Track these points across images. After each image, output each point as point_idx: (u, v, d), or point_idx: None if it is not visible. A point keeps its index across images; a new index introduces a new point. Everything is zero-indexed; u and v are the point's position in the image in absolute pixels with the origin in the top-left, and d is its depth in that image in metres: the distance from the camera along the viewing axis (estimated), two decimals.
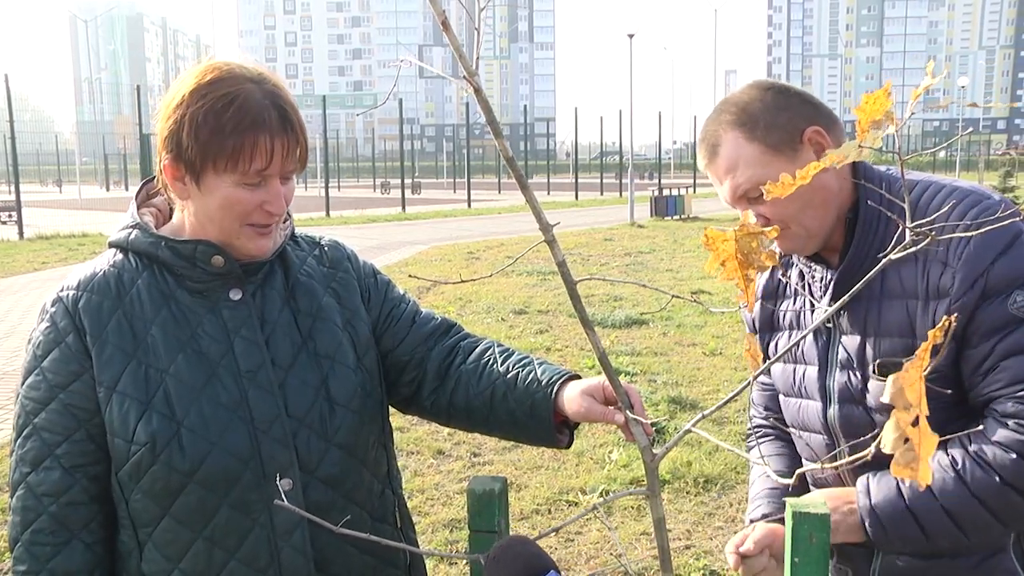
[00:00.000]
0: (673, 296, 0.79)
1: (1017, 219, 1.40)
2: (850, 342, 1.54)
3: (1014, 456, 1.35)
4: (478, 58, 0.72)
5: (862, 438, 1.54)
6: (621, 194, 36.36)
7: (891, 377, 0.62)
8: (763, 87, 1.56)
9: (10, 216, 22.02)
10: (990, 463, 1.37)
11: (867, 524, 1.44)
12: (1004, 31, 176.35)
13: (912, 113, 0.72)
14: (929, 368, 1.50)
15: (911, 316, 1.45)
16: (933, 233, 0.68)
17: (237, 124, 1.30)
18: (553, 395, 1.42)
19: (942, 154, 69.48)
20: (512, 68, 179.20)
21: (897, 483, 1.44)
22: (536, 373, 1.47)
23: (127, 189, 54.08)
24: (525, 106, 45.93)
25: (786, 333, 1.68)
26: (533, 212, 0.74)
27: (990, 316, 1.39)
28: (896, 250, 0.72)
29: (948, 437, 1.27)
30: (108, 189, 56.99)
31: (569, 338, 8.34)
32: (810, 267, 1.62)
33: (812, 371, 1.61)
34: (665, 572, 0.91)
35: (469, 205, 31.29)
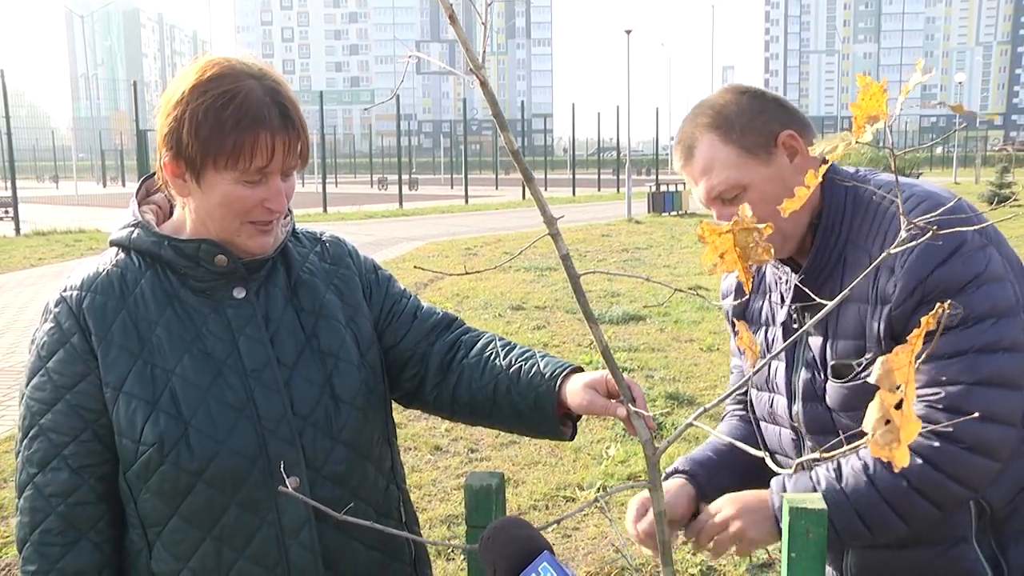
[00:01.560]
0: (676, 290, 0.79)
1: (966, 227, 1.41)
2: (815, 342, 1.58)
3: (920, 461, 1.39)
4: (484, 51, 0.72)
5: (823, 435, 1.59)
6: (619, 190, 36.36)
7: (880, 359, 0.63)
8: (739, 91, 1.59)
9: (6, 212, 21.94)
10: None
11: (782, 523, 1.48)
12: (1001, 27, 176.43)
13: (901, 109, 0.72)
14: (865, 368, 1.52)
15: (863, 319, 1.49)
16: (934, 228, 0.68)
17: (238, 122, 1.29)
18: (556, 388, 1.43)
19: (939, 150, 69.53)
20: (509, 64, 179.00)
21: (813, 485, 1.48)
22: (539, 366, 1.48)
23: (124, 185, 53.92)
24: (522, 102, 45.91)
25: (761, 329, 1.72)
26: (538, 205, 0.74)
27: (920, 321, 1.40)
28: (895, 244, 0.72)
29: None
30: (105, 185, 56.77)
31: (567, 334, 8.34)
32: (777, 268, 1.66)
33: (782, 367, 1.66)
34: (665, 566, 0.91)
35: (466, 201, 31.26)
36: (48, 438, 1.36)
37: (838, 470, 1.48)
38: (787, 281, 1.62)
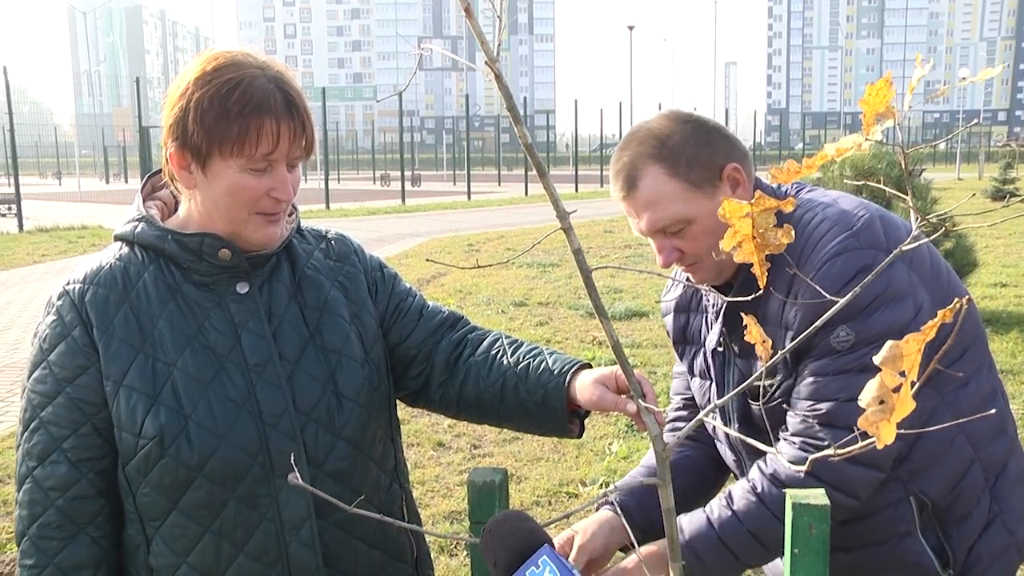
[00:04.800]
0: (687, 285, 0.79)
1: (873, 247, 1.43)
2: (743, 364, 1.60)
3: (801, 476, 1.42)
4: (499, 45, 0.72)
5: (759, 454, 1.58)
6: None
7: (889, 343, 0.63)
8: (682, 119, 1.55)
9: (9, 209, 21.96)
10: (784, 483, 1.44)
11: (684, 561, 1.49)
12: (1005, 22, 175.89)
13: (910, 107, 0.71)
14: (782, 389, 1.52)
15: (777, 343, 1.50)
16: (947, 225, 0.68)
17: (242, 108, 1.29)
18: (565, 384, 1.42)
19: (942, 146, 69.44)
20: (512, 60, 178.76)
21: (707, 517, 1.50)
22: (547, 363, 1.47)
23: (126, 182, 53.94)
24: (525, 98, 45.86)
25: (701, 348, 1.72)
26: (551, 200, 0.73)
27: (816, 346, 1.45)
28: (905, 243, 0.72)
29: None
30: (108, 182, 56.79)
31: (569, 330, 8.33)
32: (706, 291, 1.66)
33: (714, 388, 1.67)
34: (674, 561, 0.91)
35: (469, 197, 31.23)
36: (48, 431, 1.36)
37: (729, 497, 1.50)
38: (715, 304, 1.64)
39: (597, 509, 1.65)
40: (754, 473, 1.49)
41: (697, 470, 1.78)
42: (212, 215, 1.38)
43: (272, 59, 1.38)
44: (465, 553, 3.81)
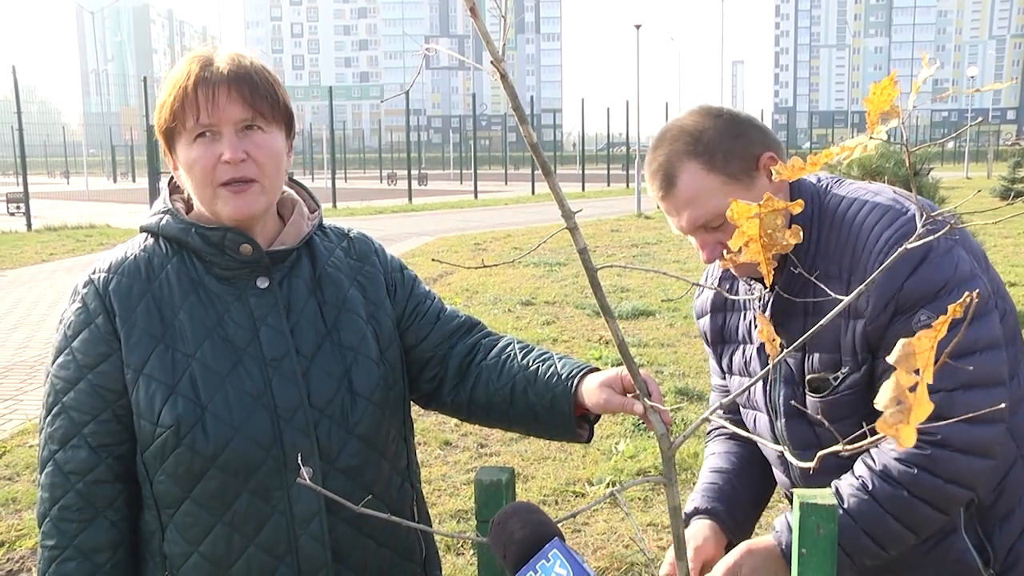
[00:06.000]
0: (694, 284, 0.79)
1: (931, 234, 1.43)
2: (791, 357, 1.57)
3: (916, 471, 1.41)
4: (504, 45, 0.72)
5: (807, 449, 1.57)
6: (628, 185, 36.25)
7: (901, 341, 0.63)
8: (713, 114, 1.55)
9: (18, 208, 22.04)
10: (896, 479, 1.42)
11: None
12: (1015, 20, 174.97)
13: (915, 107, 0.71)
14: (847, 383, 1.52)
15: (837, 333, 1.49)
16: (952, 223, 0.68)
17: (168, 95, 1.38)
18: (573, 388, 1.44)
19: (951, 144, 69.20)
20: (518, 59, 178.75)
21: None
22: (556, 367, 1.48)
23: (134, 181, 54.05)
24: (532, 97, 45.79)
25: (739, 346, 1.71)
26: (556, 199, 0.74)
27: (896, 333, 1.42)
28: (911, 239, 0.71)
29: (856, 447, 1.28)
30: (115, 181, 56.95)
31: (576, 329, 8.33)
32: (750, 284, 1.65)
33: (759, 384, 1.65)
34: (680, 560, 0.91)
35: (476, 196, 31.22)
36: (69, 416, 1.40)
37: (837, 493, 1.47)
38: (760, 298, 1.62)
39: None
40: (861, 470, 1.47)
41: (752, 468, 1.78)
42: (198, 204, 1.44)
43: (228, 51, 1.43)
44: (472, 552, 3.81)
